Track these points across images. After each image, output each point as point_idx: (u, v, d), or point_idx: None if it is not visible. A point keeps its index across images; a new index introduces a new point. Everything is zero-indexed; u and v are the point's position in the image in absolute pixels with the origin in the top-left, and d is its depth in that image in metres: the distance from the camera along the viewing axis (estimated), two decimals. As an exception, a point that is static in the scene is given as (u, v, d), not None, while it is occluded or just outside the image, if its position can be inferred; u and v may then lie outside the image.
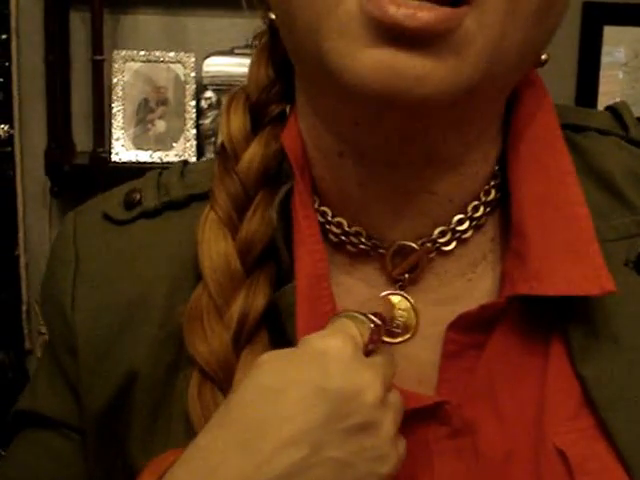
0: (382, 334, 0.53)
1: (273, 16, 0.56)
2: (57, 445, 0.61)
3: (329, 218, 0.58)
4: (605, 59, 2.22)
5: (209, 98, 1.91)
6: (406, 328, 0.57)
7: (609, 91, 2.24)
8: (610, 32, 2.22)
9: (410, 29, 0.45)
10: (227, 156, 0.58)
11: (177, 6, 2.04)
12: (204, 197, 0.60)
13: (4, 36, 2.03)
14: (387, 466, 0.49)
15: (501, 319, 0.55)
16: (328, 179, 0.57)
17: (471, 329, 0.55)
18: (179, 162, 0.66)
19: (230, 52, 1.88)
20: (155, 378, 0.57)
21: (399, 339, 0.57)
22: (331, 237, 0.58)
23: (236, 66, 1.85)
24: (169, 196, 0.62)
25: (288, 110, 0.60)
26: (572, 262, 0.54)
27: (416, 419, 0.54)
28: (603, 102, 2.23)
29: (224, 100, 1.92)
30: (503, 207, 0.58)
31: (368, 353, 0.51)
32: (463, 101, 0.49)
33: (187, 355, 0.55)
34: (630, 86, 2.25)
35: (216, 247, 0.56)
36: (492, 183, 0.58)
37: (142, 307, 0.58)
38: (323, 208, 0.58)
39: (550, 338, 0.55)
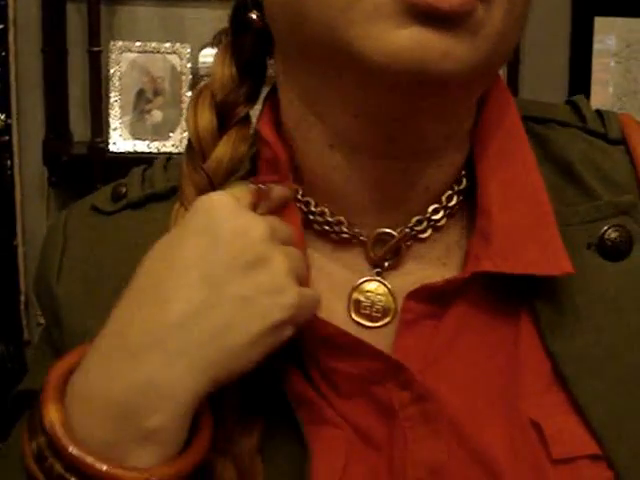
0: (268, 198, 0.58)
1: (254, 16, 0.60)
2: None
3: (312, 208, 0.61)
4: (597, 48, 2.25)
5: (205, 88, 1.93)
6: (385, 312, 0.60)
7: (601, 80, 2.26)
8: (601, 23, 2.24)
9: (441, 10, 0.50)
10: (194, 153, 0.60)
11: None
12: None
13: (1, 26, 2.05)
14: (286, 297, 0.52)
15: (462, 294, 0.58)
16: (315, 170, 0.60)
17: (430, 300, 0.58)
18: (164, 157, 0.69)
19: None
20: None
21: (380, 323, 0.60)
22: (315, 226, 0.61)
23: (232, 57, 1.86)
24: (152, 188, 0.66)
25: (261, 109, 0.64)
26: (533, 243, 0.57)
27: (377, 380, 0.57)
28: (596, 91, 2.26)
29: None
30: (473, 195, 0.61)
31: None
32: (465, 84, 0.54)
33: None
34: (622, 75, 2.27)
35: None
36: (463, 172, 0.62)
37: (122, 281, 0.58)
38: (307, 198, 0.61)
39: (519, 314, 0.58)
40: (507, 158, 0.61)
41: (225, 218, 0.53)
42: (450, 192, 0.61)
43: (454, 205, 0.61)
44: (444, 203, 0.61)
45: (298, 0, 0.54)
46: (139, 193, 0.66)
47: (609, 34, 2.24)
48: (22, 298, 2.16)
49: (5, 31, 2.04)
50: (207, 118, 0.60)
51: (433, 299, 0.58)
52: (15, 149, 2.08)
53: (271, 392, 0.57)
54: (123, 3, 2.07)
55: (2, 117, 2.09)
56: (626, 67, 2.27)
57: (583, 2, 2.21)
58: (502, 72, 2.06)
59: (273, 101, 0.63)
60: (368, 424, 0.57)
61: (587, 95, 2.26)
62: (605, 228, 0.60)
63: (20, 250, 2.14)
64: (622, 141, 0.65)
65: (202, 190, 0.59)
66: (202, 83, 0.63)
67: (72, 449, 0.50)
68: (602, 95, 2.27)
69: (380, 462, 0.56)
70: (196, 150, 0.60)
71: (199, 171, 0.59)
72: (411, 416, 0.56)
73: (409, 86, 0.52)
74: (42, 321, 2.05)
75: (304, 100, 0.59)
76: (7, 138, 2.09)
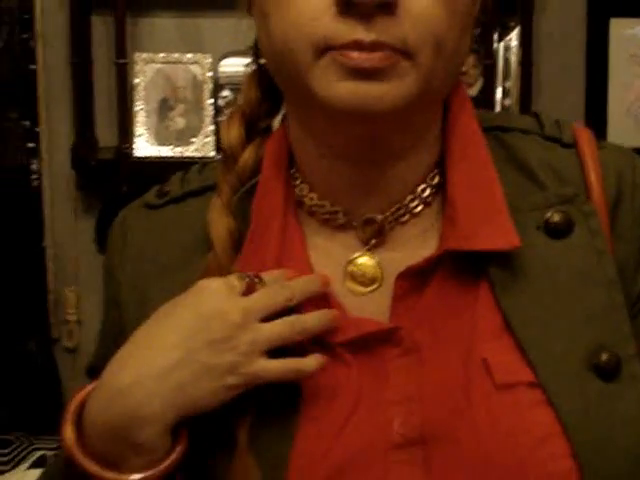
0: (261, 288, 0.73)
1: (263, 61, 0.78)
2: None
3: (316, 201, 0.78)
4: (612, 50, 2.33)
5: (226, 96, 2.05)
6: (373, 280, 0.76)
7: (619, 82, 2.34)
8: (616, 24, 2.32)
9: (367, 69, 0.68)
10: (227, 158, 0.79)
11: (192, 9, 2.17)
12: (214, 188, 0.80)
13: (27, 37, 2.15)
14: (235, 378, 0.69)
15: (438, 270, 0.74)
16: (315, 174, 0.77)
17: (414, 277, 0.74)
18: (200, 163, 0.86)
19: (245, 53, 2.00)
20: None
21: (369, 288, 0.76)
22: (318, 216, 0.78)
23: (250, 66, 1.98)
24: (190, 187, 0.83)
25: (279, 122, 0.81)
26: (489, 225, 0.74)
27: (377, 342, 0.73)
28: (614, 94, 2.34)
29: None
30: (445, 188, 0.77)
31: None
32: (405, 113, 0.70)
33: None
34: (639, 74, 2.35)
35: (220, 223, 0.76)
36: (436, 171, 0.78)
37: (171, 263, 0.79)
38: (311, 194, 0.78)
39: (479, 282, 0.74)
40: (468, 158, 0.77)
41: (212, 300, 0.70)
42: (424, 185, 0.77)
43: (427, 196, 0.77)
44: (419, 194, 0.77)
45: (275, 57, 0.72)
46: (179, 191, 0.83)
47: (625, 37, 2.32)
48: (50, 297, 2.27)
49: (33, 44, 2.15)
50: (237, 132, 0.79)
51: (416, 276, 0.74)
52: (44, 155, 2.20)
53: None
54: (144, 15, 2.18)
55: (27, 123, 2.20)
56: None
57: (598, 4, 2.30)
58: (516, 73, 2.16)
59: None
60: (360, 375, 0.73)
61: (605, 96, 2.33)
62: (550, 213, 0.76)
63: (49, 251, 2.24)
64: (574, 145, 0.80)
65: (234, 187, 0.77)
66: (231, 109, 0.80)
67: (82, 460, 0.70)
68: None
69: (364, 392, 0.72)
70: (228, 156, 0.79)
71: (232, 172, 0.78)
72: (397, 367, 0.72)
73: (362, 120, 0.70)
74: (70, 319, 2.18)
75: (299, 122, 0.77)
76: (34, 144, 2.21)
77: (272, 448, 0.70)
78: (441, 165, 0.78)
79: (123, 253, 0.82)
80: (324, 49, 0.68)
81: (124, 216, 0.85)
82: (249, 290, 0.71)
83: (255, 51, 0.80)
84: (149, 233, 0.82)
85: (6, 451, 2.07)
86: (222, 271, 0.74)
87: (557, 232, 0.75)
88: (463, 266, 0.74)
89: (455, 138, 0.77)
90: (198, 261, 0.76)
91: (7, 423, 2.21)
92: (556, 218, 0.75)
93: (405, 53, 0.68)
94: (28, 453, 2.06)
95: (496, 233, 0.73)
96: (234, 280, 0.72)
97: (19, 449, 2.07)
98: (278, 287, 0.72)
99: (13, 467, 2.06)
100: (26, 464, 2.06)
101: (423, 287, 0.74)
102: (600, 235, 0.75)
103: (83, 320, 2.28)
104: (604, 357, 0.72)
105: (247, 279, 0.72)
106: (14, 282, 2.23)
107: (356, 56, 0.67)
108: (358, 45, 0.67)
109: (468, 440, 0.69)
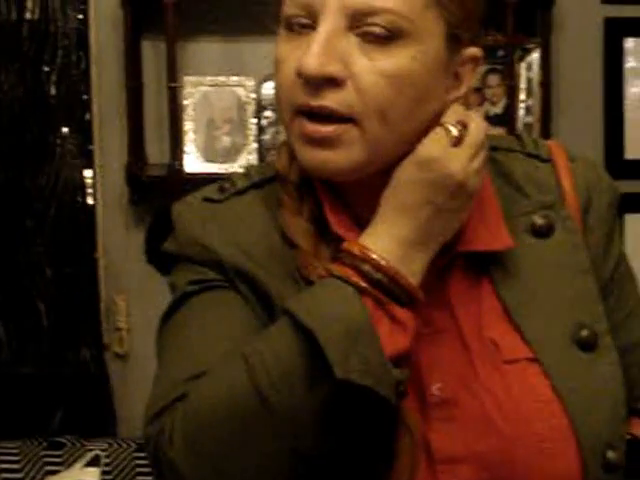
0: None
1: None
2: None
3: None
4: (628, 67, 2.46)
5: (268, 117, 2.20)
6: None
7: (634, 95, 2.48)
8: (631, 43, 2.46)
9: (317, 138, 0.83)
10: (281, 177, 0.92)
11: (236, 34, 2.31)
12: (272, 180, 0.93)
13: (82, 60, 2.30)
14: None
15: (454, 268, 0.91)
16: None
17: (435, 274, 0.89)
18: (257, 164, 1.06)
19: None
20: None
21: None
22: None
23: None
24: (251, 180, 0.95)
25: None
26: (487, 231, 0.90)
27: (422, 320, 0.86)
28: (629, 104, 2.47)
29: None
30: None
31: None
32: (359, 172, 0.85)
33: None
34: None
35: (293, 225, 0.89)
36: None
37: (258, 252, 0.91)
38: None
39: (483, 278, 0.91)
40: None
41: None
42: None
43: None
44: None
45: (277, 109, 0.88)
46: (243, 184, 0.95)
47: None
48: (102, 306, 2.37)
49: (88, 66, 2.30)
50: (285, 158, 0.92)
51: (439, 272, 0.89)
52: (97, 172, 2.33)
53: None
54: (191, 40, 2.33)
55: (76, 140, 2.32)
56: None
57: (614, 25, 2.42)
58: (537, 93, 2.27)
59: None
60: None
61: (621, 109, 2.46)
62: (535, 217, 0.92)
63: (101, 262, 2.36)
64: (550, 160, 0.96)
65: (291, 195, 0.91)
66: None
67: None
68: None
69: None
70: (281, 175, 0.93)
71: (287, 186, 0.92)
72: (428, 339, 0.88)
73: (327, 178, 0.87)
74: (120, 326, 2.33)
75: None
76: (85, 160, 2.32)
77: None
78: None
79: (210, 235, 0.91)
80: (295, 112, 0.84)
81: (186, 208, 0.94)
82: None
83: None
84: (222, 222, 0.92)
85: (60, 452, 2.16)
86: (313, 260, 0.87)
87: (541, 233, 0.92)
88: (472, 265, 0.91)
89: None
90: (284, 250, 0.89)
91: (60, 427, 2.31)
92: (540, 221, 0.92)
93: (352, 120, 0.82)
94: (81, 454, 2.15)
95: (493, 237, 0.90)
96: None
97: (72, 450, 2.16)
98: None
99: (67, 467, 2.16)
100: (81, 463, 2.15)
101: (443, 282, 0.90)
102: (575, 234, 0.93)
103: (133, 328, 2.38)
104: (584, 333, 0.90)
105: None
106: (68, 291, 2.34)
107: (310, 128, 0.83)
108: (309, 110, 0.83)
109: (487, 402, 0.86)
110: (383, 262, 0.81)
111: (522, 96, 2.39)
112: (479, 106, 2.38)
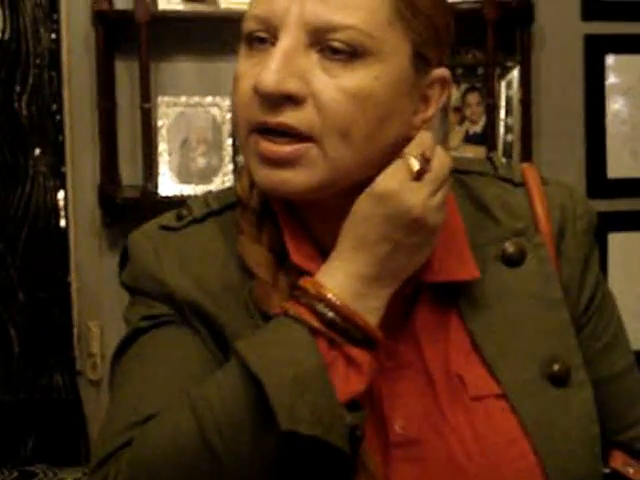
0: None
1: None
2: None
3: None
4: (609, 84, 2.45)
5: (244, 137, 2.16)
6: None
7: (615, 112, 2.46)
8: (611, 60, 2.45)
9: (274, 158, 0.80)
10: (242, 201, 0.89)
11: (211, 53, 2.28)
12: (233, 206, 0.90)
13: (54, 80, 2.26)
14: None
15: (420, 299, 0.87)
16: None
17: (400, 305, 0.85)
18: (214, 191, 0.97)
19: (262, 96, 2.12)
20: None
21: None
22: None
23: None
24: (210, 208, 0.91)
25: None
26: (453, 261, 0.87)
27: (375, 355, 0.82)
28: (611, 122, 2.46)
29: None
30: None
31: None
32: (319, 191, 0.81)
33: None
34: (636, 108, 2.48)
35: (252, 252, 0.85)
36: None
37: (212, 282, 0.87)
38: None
39: (451, 309, 0.87)
40: None
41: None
42: None
43: None
44: None
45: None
46: (201, 211, 0.91)
47: (620, 72, 2.44)
48: (75, 331, 2.33)
49: (60, 86, 2.26)
50: (245, 182, 0.89)
51: (405, 303, 0.86)
52: (69, 194, 2.29)
53: None
54: (165, 60, 2.29)
55: (49, 161, 2.28)
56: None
57: (594, 42, 2.41)
58: (517, 112, 2.27)
59: None
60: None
61: (603, 126, 2.44)
62: (506, 245, 0.88)
63: (74, 286, 2.32)
64: (523, 184, 0.92)
65: (251, 222, 0.87)
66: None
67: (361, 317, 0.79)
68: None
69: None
70: (242, 200, 0.89)
71: (247, 212, 0.88)
72: (392, 377, 0.85)
73: (283, 197, 0.83)
74: (93, 352, 2.28)
75: None
76: (58, 182, 2.29)
77: None
78: None
79: (163, 267, 0.87)
80: (250, 130, 0.80)
81: (141, 237, 0.90)
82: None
83: None
84: (177, 252, 0.88)
85: (32, 483, 2.11)
86: (271, 292, 0.83)
87: (512, 261, 0.88)
88: (439, 295, 0.87)
89: None
90: (241, 281, 0.85)
91: (32, 455, 2.26)
92: (511, 249, 0.88)
93: (311, 139, 0.79)
94: (53, 484, 2.10)
95: (459, 266, 0.86)
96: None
97: (44, 480, 2.13)
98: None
99: (39, 498, 2.11)
100: (53, 493, 2.12)
101: (409, 314, 0.86)
102: (548, 262, 0.88)
103: (106, 353, 2.32)
104: (556, 367, 0.85)
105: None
106: (41, 316, 2.30)
107: (267, 146, 0.79)
108: (266, 128, 0.79)
109: (451, 441, 0.82)
110: (338, 301, 0.78)
111: (502, 114, 2.38)
112: (459, 125, 2.35)
